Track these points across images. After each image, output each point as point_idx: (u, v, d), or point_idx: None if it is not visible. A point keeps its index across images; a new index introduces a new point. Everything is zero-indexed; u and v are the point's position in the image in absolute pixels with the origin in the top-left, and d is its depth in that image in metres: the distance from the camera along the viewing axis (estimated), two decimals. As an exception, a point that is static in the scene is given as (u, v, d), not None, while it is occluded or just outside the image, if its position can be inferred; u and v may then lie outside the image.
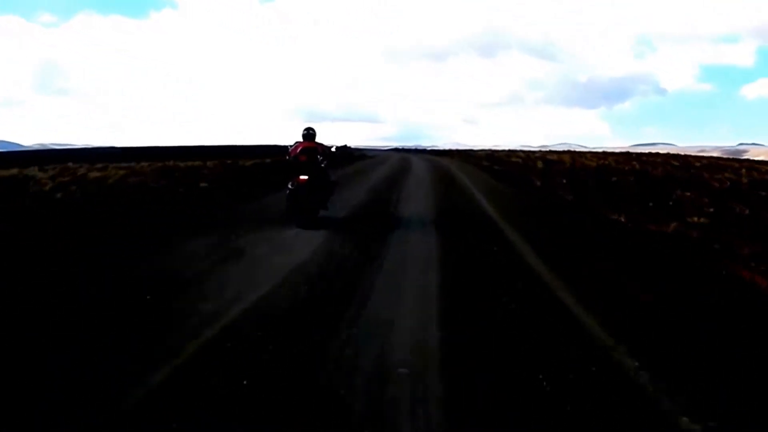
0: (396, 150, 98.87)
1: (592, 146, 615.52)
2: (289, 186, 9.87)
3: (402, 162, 37.56)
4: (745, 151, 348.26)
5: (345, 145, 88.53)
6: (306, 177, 9.67)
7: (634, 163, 33.92)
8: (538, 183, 20.68)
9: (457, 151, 78.85)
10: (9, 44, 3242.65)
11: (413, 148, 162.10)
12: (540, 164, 30.48)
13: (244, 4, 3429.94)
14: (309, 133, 10.25)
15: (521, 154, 48.16)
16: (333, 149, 10.86)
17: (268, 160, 27.77)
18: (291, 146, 10.36)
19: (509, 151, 69.25)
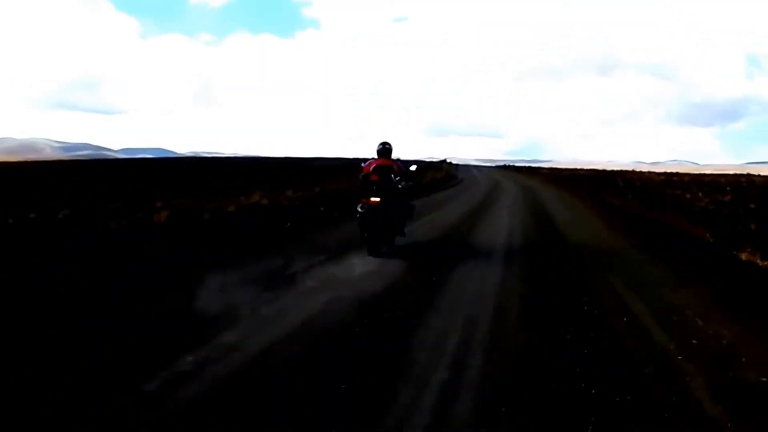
0: (504, 167, 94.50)
1: (703, 163, 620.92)
2: (359, 209, 8.53)
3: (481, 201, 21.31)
4: None
5: (444, 160, 78.99)
6: (378, 199, 8.47)
7: None
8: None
9: (571, 175, 75.50)
10: (172, 59, 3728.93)
11: (526, 164, 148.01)
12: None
13: (378, 23, 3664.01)
14: (384, 149, 8.98)
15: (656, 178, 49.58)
16: (413, 168, 9.59)
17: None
18: (364, 163, 9.01)
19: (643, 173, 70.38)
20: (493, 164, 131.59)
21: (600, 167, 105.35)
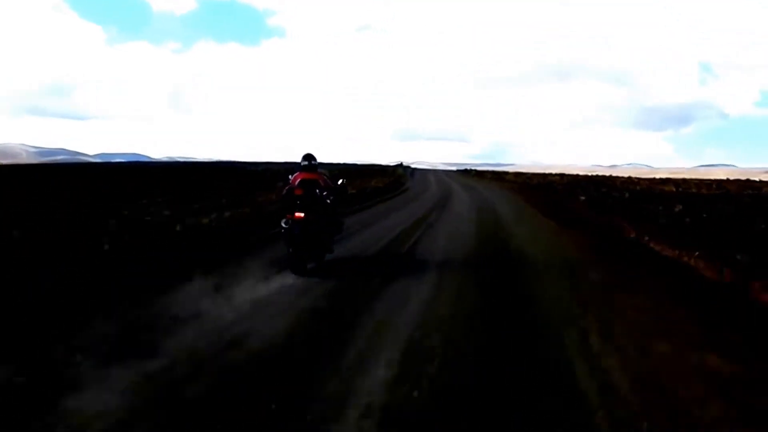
0: (465, 172, 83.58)
1: (657, 166, 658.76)
2: (283, 224, 8.25)
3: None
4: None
5: (400, 163, 73.31)
6: (302, 214, 8.19)
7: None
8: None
9: (531, 182, 70.09)
10: (141, 66, 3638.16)
11: (490, 168, 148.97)
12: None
13: (342, 32, 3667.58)
14: (309, 163, 8.74)
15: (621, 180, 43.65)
16: (340, 182, 9.23)
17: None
18: (292, 176, 8.82)
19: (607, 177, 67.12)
20: (460, 168, 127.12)
21: (559, 170, 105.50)
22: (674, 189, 36.16)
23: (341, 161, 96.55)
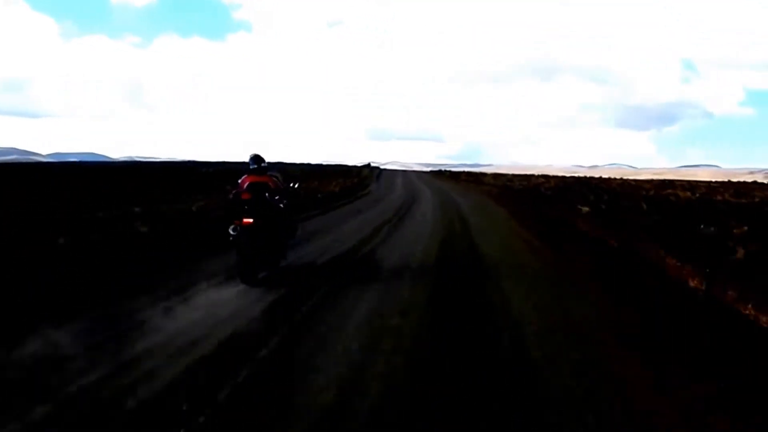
0: (439, 173, 75.07)
1: (640, 167, 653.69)
2: (231, 231, 7.81)
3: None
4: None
5: (368, 164, 67.76)
6: (251, 219, 7.73)
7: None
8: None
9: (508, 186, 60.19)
10: (99, 62, 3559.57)
11: (467, 169, 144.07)
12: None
13: (313, 28, 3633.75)
14: (258, 165, 8.26)
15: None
16: (294, 185, 8.94)
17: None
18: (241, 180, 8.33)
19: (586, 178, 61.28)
20: (436, 168, 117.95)
21: (539, 171, 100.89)
22: (690, 195, 29.29)
23: (308, 161, 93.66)
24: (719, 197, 28.22)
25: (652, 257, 10.06)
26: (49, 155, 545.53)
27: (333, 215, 17.74)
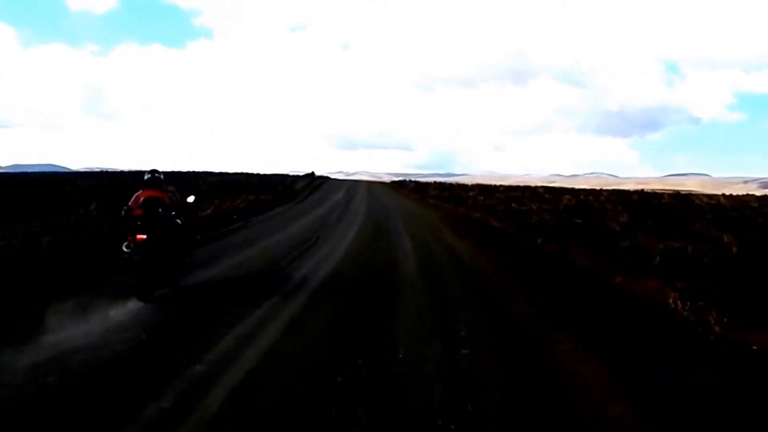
0: (400, 184, 64.52)
1: (623, 176, 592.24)
2: (124, 248, 7.62)
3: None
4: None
5: (311, 173, 61.60)
6: (144, 236, 7.59)
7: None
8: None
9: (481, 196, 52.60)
10: (58, 70, 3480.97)
11: (439, 179, 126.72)
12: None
13: (275, 33, 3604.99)
14: (153, 178, 8.19)
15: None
16: (190, 199, 8.87)
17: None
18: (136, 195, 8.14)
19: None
20: (405, 178, 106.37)
21: (516, 181, 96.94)
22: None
23: (244, 170, 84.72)
24: None
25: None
26: (9, 166, 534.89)
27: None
